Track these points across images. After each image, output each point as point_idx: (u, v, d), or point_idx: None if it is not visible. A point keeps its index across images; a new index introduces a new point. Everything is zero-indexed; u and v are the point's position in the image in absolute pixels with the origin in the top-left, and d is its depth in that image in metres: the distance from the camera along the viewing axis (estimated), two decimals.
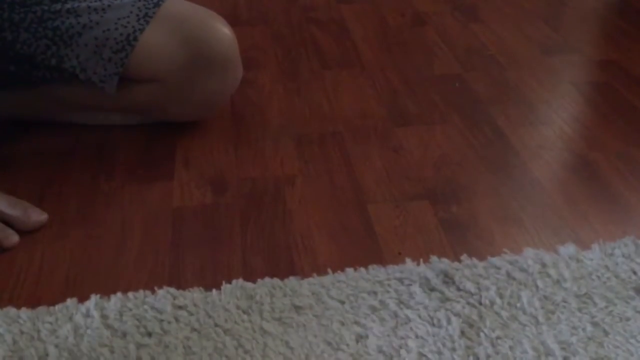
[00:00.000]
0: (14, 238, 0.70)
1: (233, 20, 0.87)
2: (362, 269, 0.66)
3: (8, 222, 0.71)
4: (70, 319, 0.61)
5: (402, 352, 0.57)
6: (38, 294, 0.64)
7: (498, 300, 0.62)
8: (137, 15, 0.80)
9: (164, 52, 0.80)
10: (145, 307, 0.62)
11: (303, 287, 0.64)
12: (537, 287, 0.64)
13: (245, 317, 0.61)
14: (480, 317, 0.60)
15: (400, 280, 0.65)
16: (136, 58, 0.79)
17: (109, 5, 0.80)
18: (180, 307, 0.62)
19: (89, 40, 0.78)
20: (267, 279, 0.65)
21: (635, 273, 0.66)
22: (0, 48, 0.79)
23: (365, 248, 0.70)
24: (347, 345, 0.58)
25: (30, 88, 0.84)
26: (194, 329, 0.60)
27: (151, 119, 0.89)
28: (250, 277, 0.66)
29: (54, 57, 0.79)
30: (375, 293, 0.63)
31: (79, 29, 0.78)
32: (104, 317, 0.61)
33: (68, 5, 0.79)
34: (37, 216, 0.72)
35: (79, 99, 0.85)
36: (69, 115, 0.90)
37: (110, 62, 0.79)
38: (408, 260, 0.67)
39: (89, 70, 0.80)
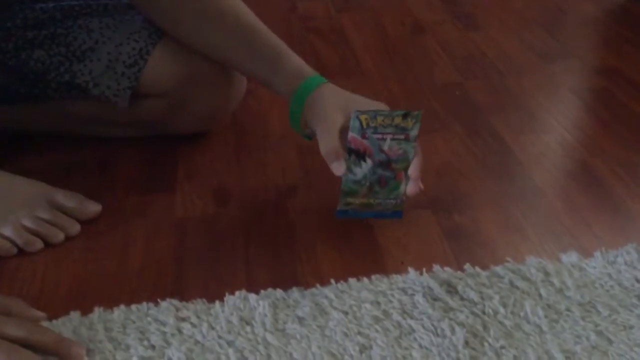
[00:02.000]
0: (76, 227, 0.74)
1: None
2: (365, 279, 0.66)
3: (67, 213, 0.74)
4: (74, 332, 0.61)
5: None
6: (41, 308, 0.64)
7: (502, 310, 0.62)
8: (149, 30, 0.81)
9: (170, 68, 0.81)
10: (149, 319, 0.62)
11: (306, 298, 0.64)
12: (540, 295, 0.64)
13: (248, 328, 0.61)
14: (484, 326, 0.60)
15: (404, 290, 0.65)
16: (146, 73, 0.80)
17: (120, 21, 0.81)
18: (183, 319, 0.62)
19: (102, 55, 0.79)
20: (270, 290, 0.65)
21: (638, 281, 0.66)
22: (15, 66, 0.80)
23: (368, 258, 0.70)
24: (351, 356, 0.58)
25: (41, 103, 0.84)
26: (197, 341, 0.60)
27: (155, 132, 0.90)
28: (253, 288, 0.66)
29: (67, 72, 0.80)
30: (378, 303, 0.63)
31: (91, 44, 0.79)
32: (107, 329, 0.61)
33: (80, 21, 0.80)
34: (93, 207, 0.76)
35: (88, 113, 0.86)
36: (73, 128, 0.90)
37: (124, 76, 0.80)
38: (411, 270, 0.67)
39: (102, 85, 0.80)
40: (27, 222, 0.71)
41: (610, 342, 0.59)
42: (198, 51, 0.80)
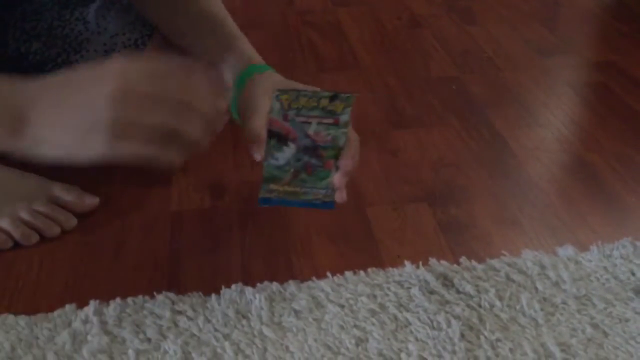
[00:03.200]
0: (73, 221, 0.74)
1: None
2: (362, 273, 0.66)
3: (64, 207, 0.74)
4: (69, 325, 0.60)
5: (403, 355, 0.57)
6: (36, 301, 0.64)
7: (498, 303, 0.62)
8: (143, 20, 0.80)
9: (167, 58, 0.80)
10: (145, 312, 0.62)
11: (302, 291, 0.64)
12: (536, 289, 0.64)
13: (244, 321, 0.61)
14: (480, 319, 0.60)
15: (400, 283, 0.65)
16: None
17: (115, 11, 0.81)
18: (179, 312, 0.62)
19: (98, 46, 0.79)
20: (266, 283, 0.65)
21: (633, 274, 0.66)
22: (13, 58, 0.80)
23: (364, 251, 0.70)
24: (347, 349, 0.58)
25: None
26: (193, 334, 0.60)
27: None
28: (250, 281, 0.66)
29: (64, 63, 0.80)
30: (374, 296, 0.63)
31: (87, 35, 0.79)
32: (103, 322, 0.61)
33: (76, 13, 0.80)
34: (90, 200, 0.76)
35: None
36: None
37: None
38: (407, 263, 0.67)
39: None
40: (24, 215, 0.71)
41: (605, 334, 0.59)
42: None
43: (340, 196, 0.64)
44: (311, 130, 0.60)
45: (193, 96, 0.52)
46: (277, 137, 0.60)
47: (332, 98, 0.59)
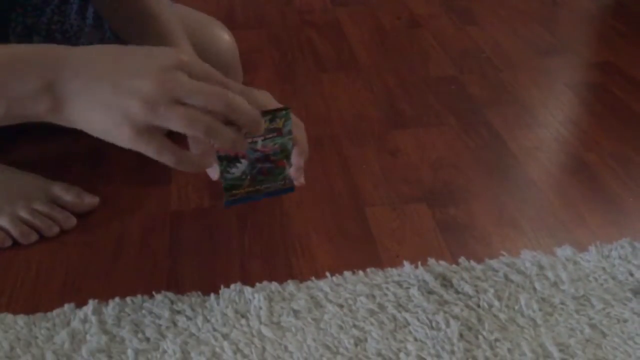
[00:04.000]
0: (72, 220, 0.73)
1: (229, 24, 0.88)
2: (361, 272, 0.66)
3: (64, 206, 0.74)
4: (68, 324, 0.60)
5: (402, 355, 0.57)
6: (35, 300, 0.64)
7: (496, 303, 0.62)
8: None
9: None
10: (143, 312, 0.62)
11: (301, 291, 0.64)
12: (535, 289, 0.64)
13: (243, 321, 0.61)
14: (479, 319, 0.61)
15: (399, 283, 0.65)
16: None
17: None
18: (178, 312, 0.62)
19: (95, 40, 0.79)
20: (265, 283, 0.65)
21: (632, 275, 0.66)
22: None
23: (363, 251, 0.70)
24: (346, 349, 0.58)
25: None
26: (192, 334, 0.60)
27: None
28: (248, 280, 0.66)
29: None
30: (373, 296, 0.63)
31: (87, 30, 0.79)
32: (101, 322, 0.61)
33: (76, 7, 0.80)
34: (90, 199, 0.76)
35: None
36: None
37: None
38: (406, 263, 0.67)
39: None
40: (24, 214, 0.71)
41: (604, 335, 0.59)
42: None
43: (299, 181, 0.68)
44: (259, 147, 0.62)
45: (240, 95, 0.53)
46: (227, 159, 0.62)
47: (272, 119, 0.61)
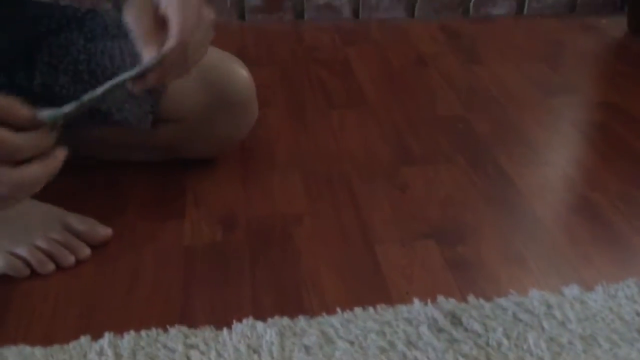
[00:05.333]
0: (86, 250, 0.75)
1: (242, 60, 0.90)
2: (371, 309, 0.67)
3: (79, 237, 0.76)
4: (85, 356, 0.61)
5: None
6: (52, 332, 0.65)
7: (505, 342, 0.63)
8: None
9: (188, 93, 0.83)
10: (158, 345, 0.63)
11: (312, 327, 0.65)
12: (543, 328, 0.65)
13: (255, 356, 0.62)
14: (488, 358, 0.61)
15: (409, 320, 0.66)
16: (166, 98, 0.82)
17: None
18: (191, 346, 0.63)
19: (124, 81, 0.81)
20: (277, 318, 0.66)
21: (638, 315, 0.67)
22: (41, 93, 0.82)
23: (373, 287, 0.72)
24: None
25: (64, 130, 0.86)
26: None
27: (171, 156, 0.92)
28: (260, 315, 0.67)
29: None
30: (384, 333, 0.64)
31: (113, 70, 0.81)
32: (117, 355, 0.62)
33: (101, 47, 0.82)
34: (104, 231, 0.78)
35: (109, 137, 0.88)
36: (92, 152, 0.92)
37: (145, 101, 0.82)
38: (416, 300, 0.68)
39: (125, 110, 0.83)
40: (41, 243, 0.73)
41: None
42: None
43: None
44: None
45: None
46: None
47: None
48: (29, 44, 0.83)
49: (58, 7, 0.90)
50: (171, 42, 0.59)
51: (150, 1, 0.61)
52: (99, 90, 0.60)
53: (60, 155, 0.59)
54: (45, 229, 0.74)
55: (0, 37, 0.84)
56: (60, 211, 0.77)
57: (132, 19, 0.61)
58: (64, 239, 0.74)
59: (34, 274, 0.72)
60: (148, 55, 0.60)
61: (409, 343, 0.63)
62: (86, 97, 0.59)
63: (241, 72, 0.86)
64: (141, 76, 0.61)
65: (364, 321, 0.66)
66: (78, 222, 0.77)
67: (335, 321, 0.66)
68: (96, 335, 0.64)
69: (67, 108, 0.58)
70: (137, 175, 0.91)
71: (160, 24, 0.61)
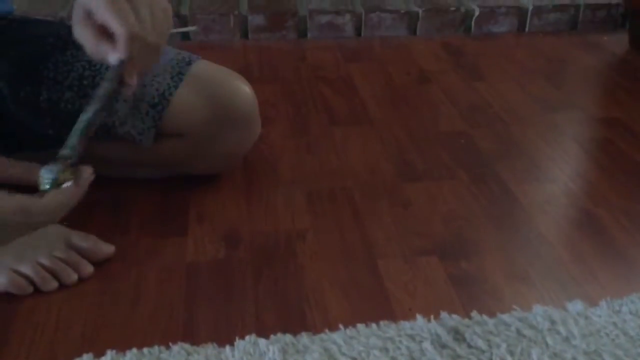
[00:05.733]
0: (89, 268, 0.75)
1: (245, 78, 0.91)
2: (374, 325, 0.67)
3: (81, 254, 0.76)
4: None
5: None
6: (55, 350, 0.65)
7: (509, 358, 0.63)
8: (171, 73, 0.84)
9: (192, 109, 0.84)
10: None
11: (315, 344, 0.65)
12: (547, 344, 0.65)
13: None
14: None
15: (412, 337, 0.65)
16: (168, 113, 0.83)
17: None
18: None
19: (128, 96, 0.82)
20: (279, 335, 0.66)
21: None
22: (47, 109, 0.83)
23: (376, 303, 0.71)
24: None
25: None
26: None
27: (175, 172, 0.92)
28: (263, 332, 0.67)
29: None
30: (387, 350, 0.64)
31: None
32: None
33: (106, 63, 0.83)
34: (107, 248, 0.78)
35: (111, 153, 0.89)
36: (96, 169, 0.93)
37: (148, 115, 0.83)
38: (419, 317, 0.68)
39: (128, 125, 0.84)
40: (44, 261, 0.73)
41: None
42: None
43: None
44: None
45: None
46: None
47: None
48: (35, 60, 0.84)
49: (63, 25, 0.91)
50: (120, 43, 0.64)
51: (84, 16, 0.65)
52: (90, 111, 0.63)
53: (87, 173, 0.63)
54: (48, 247, 0.74)
55: (8, 54, 0.86)
56: (62, 229, 0.78)
57: (79, 36, 0.66)
58: (67, 257, 0.75)
59: (36, 291, 0.72)
60: (112, 61, 0.65)
61: (412, 359, 0.63)
62: (80, 124, 0.62)
63: (244, 89, 0.87)
64: (120, 81, 0.65)
65: (366, 338, 0.65)
66: (81, 239, 0.77)
67: (337, 338, 0.66)
68: (99, 353, 0.64)
69: (65, 151, 0.61)
70: (140, 191, 0.91)
71: (105, 30, 0.65)
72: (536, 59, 1.42)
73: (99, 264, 0.77)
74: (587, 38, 1.53)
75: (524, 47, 1.50)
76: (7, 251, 0.73)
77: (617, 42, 1.49)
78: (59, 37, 0.86)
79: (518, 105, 1.19)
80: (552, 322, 0.67)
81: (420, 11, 1.52)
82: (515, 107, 1.18)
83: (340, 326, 0.67)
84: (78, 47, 0.85)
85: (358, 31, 1.53)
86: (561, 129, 1.11)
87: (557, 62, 1.41)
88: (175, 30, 1.32)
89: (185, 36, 1.48)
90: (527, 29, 1.57)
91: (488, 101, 1.20)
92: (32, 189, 0.59)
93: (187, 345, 0.65)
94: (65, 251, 0.75)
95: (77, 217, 0.85)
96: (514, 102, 1.20)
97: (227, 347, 0.65)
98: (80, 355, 0.64)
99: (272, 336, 0.66)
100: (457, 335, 0.65)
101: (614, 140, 1.07)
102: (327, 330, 0.67)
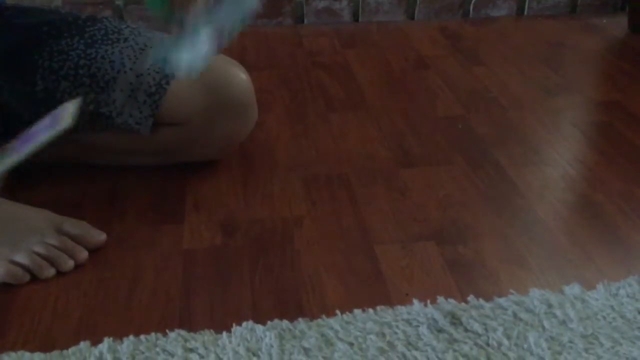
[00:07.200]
0: (84, 253, 0.76)
1: (242, 65, 0.91)
2: (370, 310, 0.67)
3: (73, 241, 0.76)
4: None
5: None
6: (52, 338, 0.65)
7: (505, 342, 0.63)
8: None
9: (189, 97, 0.84)
10: (157, 349, 0.63)
11: (312, 329, 0.65)
12: (543, 327, 0.65)
13: (255, 359, 0.62)
14: (488, 358, 0.61)
15: (408, 321, 0.65)
16: (166, 102, 0.83)
17: (140, 51, 0.84)
18: (191, 350, 0.63)
19: (124, 85, 0.82)
20: (276, 321, 0.66)
21: None
22: (43, 99, 0.83)
23: (373, 289, 0.71)
24: None
25: (65, 135, 0.87)
26: None
27: (172, 160, 0.92)
28: (260, 318, 0.67)
29: (92, 103, 0.83)
30: (383, 334, 0.64)
31: (113, 74, 0.82)
32: None
33: (102, 51, 0.83)
34: (98, 235, 0.78)
35: (109, 143, 0.88)
36: (92, 157, 0.93)
37: (145, 104, 0.83)
38: (415, 301, 0.68)
39: (125, 114, 0.83)
40: (39, 249, 0.73)
41: None
42: None
43: None
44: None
45: None
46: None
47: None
48: (30, 49, 0.83)
49: (59, 13, 0.90)
50: None
51: None
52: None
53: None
54: (41, 235, 0.74)
55: (1, 43, 0.85)
56: (53, 216, 0.78)
57: None
58: (61, 243, 0.75)
59: (33, 280, 0.72)
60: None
61: (409, 344, 0.63)
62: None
63: (240, 76, 0.87)
64: None
65: (363, 323, 0.65)
66: (72, 226, 0.77)
67: (334, 323, 0.66)
68: (96, 341, 0.64)
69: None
70: (137, 179, 0.91)
71: None
72: (535, 43, 1.41)
73: (96, 251, 0.77)
74: (586, 21, 1.52)
75: (523, 31, 1.49)
76: (1, 242, 0.73)
77: (617, 25, 1.48)
78: (53, 25, 0.85)
79: (516, 89, 1.18)
80: (549, 305, 0.67)
81: None
82: (514, 92, 1.17)
83: (337, 312, 0.67)
84: (73, 36, 0.85)
85: (355, 16, 1.52)
86: (560, 114, 1.11)
87: (556, 45, 1.40)
88: None
89: None
90: (525, 13, 1.56)
91: (486, 85, 1.20)
92: None
93: (184, 332, 0.65)
94: (58, 238, 0.75)
95: (74, 205, 0.86)
96: (512, 86, 1.19)
97: (224, 334, 0.65)
98: (77, 342, 0.64)
99: (269, 322, 0.66)
100: (454, 319, 0.65)
101: (613, 123, 1.06)
102: (323, 316, 0.67)
